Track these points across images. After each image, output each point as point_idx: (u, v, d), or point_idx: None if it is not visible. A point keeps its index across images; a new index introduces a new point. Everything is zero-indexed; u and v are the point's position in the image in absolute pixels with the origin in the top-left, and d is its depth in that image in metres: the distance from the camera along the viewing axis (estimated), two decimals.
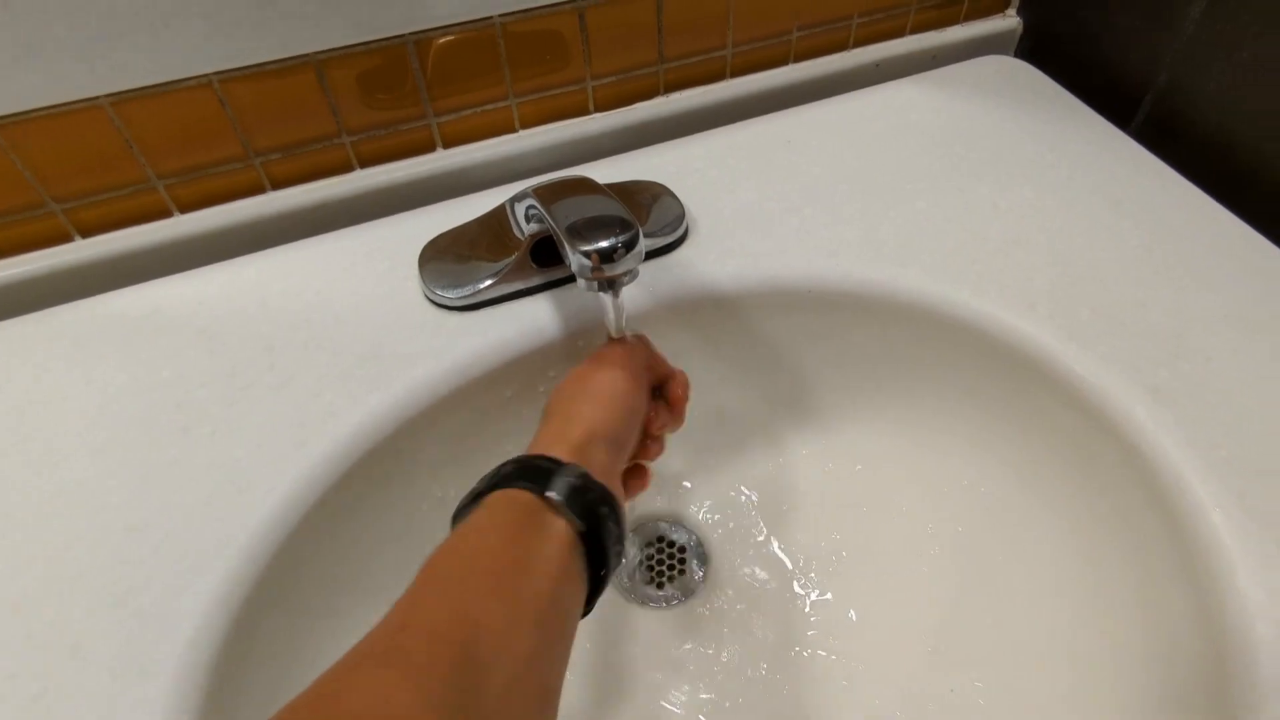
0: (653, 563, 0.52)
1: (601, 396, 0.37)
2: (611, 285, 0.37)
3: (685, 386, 0.42)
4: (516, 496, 0.31)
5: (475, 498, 0.32)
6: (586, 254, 0.36)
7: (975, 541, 0.49)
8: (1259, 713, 0.32)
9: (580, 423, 0.35)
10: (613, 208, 0.38)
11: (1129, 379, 0.41)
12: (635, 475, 0.42)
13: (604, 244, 0.36)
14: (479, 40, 0.50)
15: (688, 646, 0.49)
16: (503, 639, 0.26)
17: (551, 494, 0.31)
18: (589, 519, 0.31)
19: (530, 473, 0.32)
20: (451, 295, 0.45)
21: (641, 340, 0.42)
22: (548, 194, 0.40)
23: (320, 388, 0.43)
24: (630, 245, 0.36)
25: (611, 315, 0.39)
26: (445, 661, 0.25)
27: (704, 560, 0.52)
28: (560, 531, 0.31)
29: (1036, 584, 0.45)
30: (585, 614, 0.32)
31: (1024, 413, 0.46)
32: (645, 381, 0.40)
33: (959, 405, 0.49)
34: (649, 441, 0.41)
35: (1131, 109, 0.59)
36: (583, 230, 0.36)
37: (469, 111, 0.54)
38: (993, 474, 0.49)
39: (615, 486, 0.34)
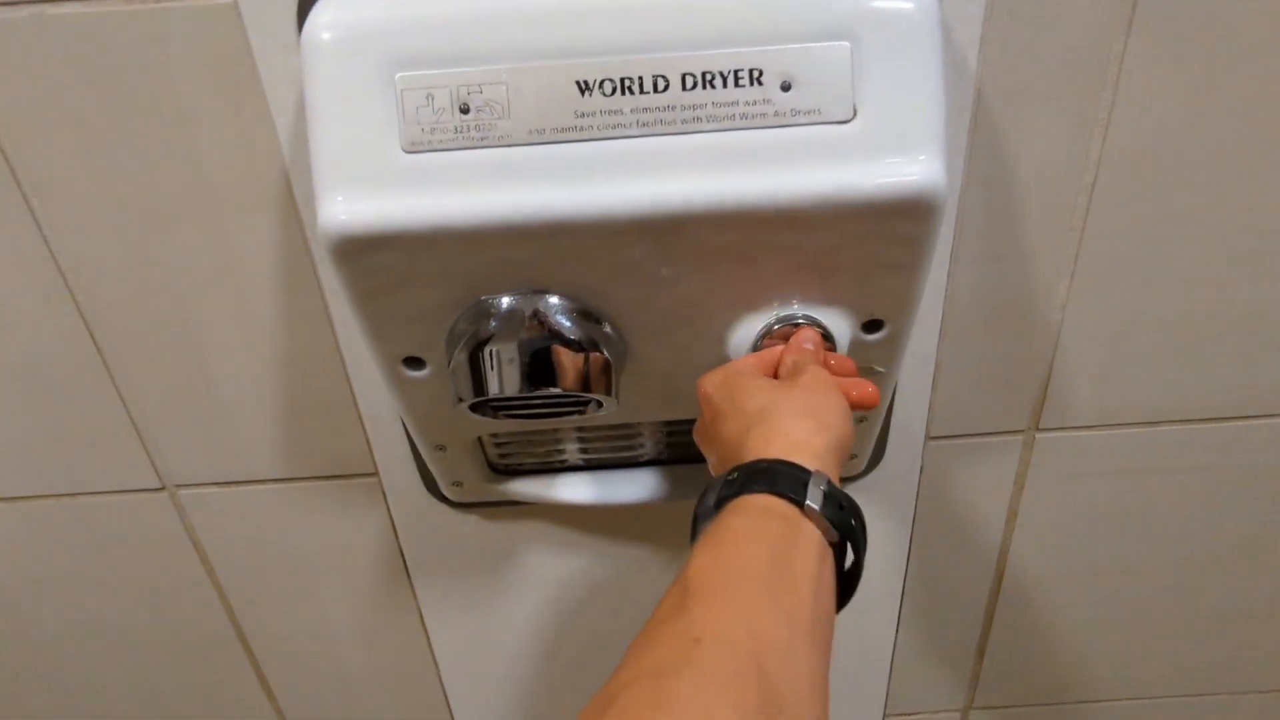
0: None
1: (832, 408, 0.35)
2: None
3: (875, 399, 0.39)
4: (772, 505, 0.30)
5: (720, 501, 0.31)
6: None
7: None
8: None
9: (821, 430, 0.33)
10: None
11: None
12: None
13: None
14: None
15: None
16: (786, 656, 0.26)
17: (811, 504, 0.30)
18: (842, 530, 0.30)
19: (783, 480, 0.30)
20: None
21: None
22: None
23: None
24: None
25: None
26: (751, 678, 0.24)
27: None
28: (818, 544, 0.30)
29: None
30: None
31: None
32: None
33: None
34: None
35: None
36: None
37: None
38: None
39: None
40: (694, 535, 0.32)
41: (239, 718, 0.68)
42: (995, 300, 0.48)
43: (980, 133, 0.43)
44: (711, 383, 0.38)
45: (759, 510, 0.30)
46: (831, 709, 0.68)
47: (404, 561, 0.59)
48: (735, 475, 0.31)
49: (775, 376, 0.38)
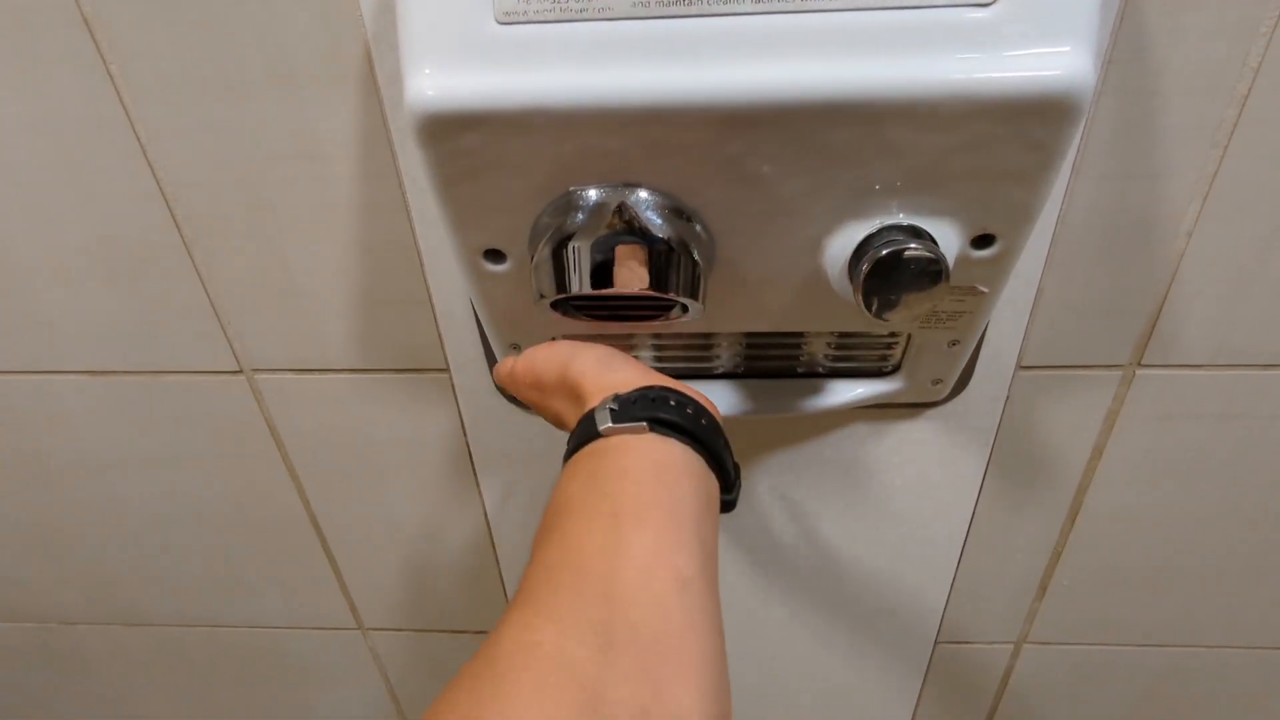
0: None
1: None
2: None
3: None
4: (578, 456, 0.32)
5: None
6: None
7: None
8: None
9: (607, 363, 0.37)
10: None
11: None
12: None
13: None
14: None
15: None
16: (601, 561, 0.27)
17: (604, 427, 0.32)
18: (649, 418, 0.32)
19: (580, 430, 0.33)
20: None
21: None
22: None
23: None
24: None
25: None
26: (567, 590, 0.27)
27: None
28: (627, 447, 0.31)
29: None
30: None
31: None
32: None
33: None
34: None
35: None
36: None
37: None
38: None
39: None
40: None
41: (308, 595, 0.71)
42: (1115, 222, 0.44)
43: (1126, 31, 0.38)
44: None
45: (567, 467, 0.32)
46: (882, 632, 0.68)
47: (470, 458, 0.59)
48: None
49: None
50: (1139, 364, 0.50)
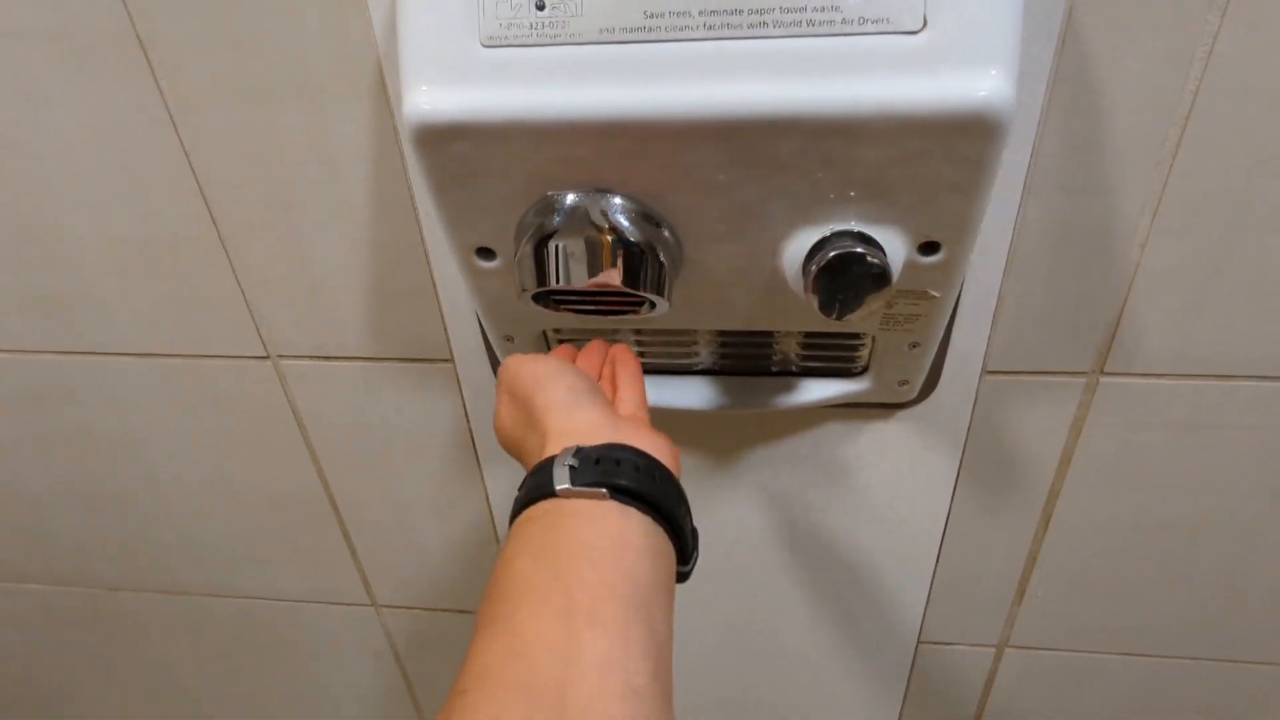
0: None
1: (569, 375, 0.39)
2: None
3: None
4: (531, 513, 0.31)
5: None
6: None
7: None
8: None
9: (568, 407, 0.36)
10: None
11: None
12: None
13: None
14: None
15: None
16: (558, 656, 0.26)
17: (561, 487, 0.31)
18: (607, 484, 0.31)
19: (531, 482, 0.32)
20: None
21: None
22: None
23: None
24: None
25: None
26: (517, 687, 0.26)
27: None
28: (584, 513, 0.31)
29: None
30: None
31: None
32: None
33: None
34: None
35: None
36: None
37: None
38: None
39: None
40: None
41: (326, 571, 0.76)
42: (1069, 234, 0.47)
43: (1068, 54, 0.41)
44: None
45: (520, 523, 0.31)
46: (865, 630, 0.70)
47: (474, 445, 0.64)
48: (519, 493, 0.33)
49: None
50: (1102, 371, 0.52)
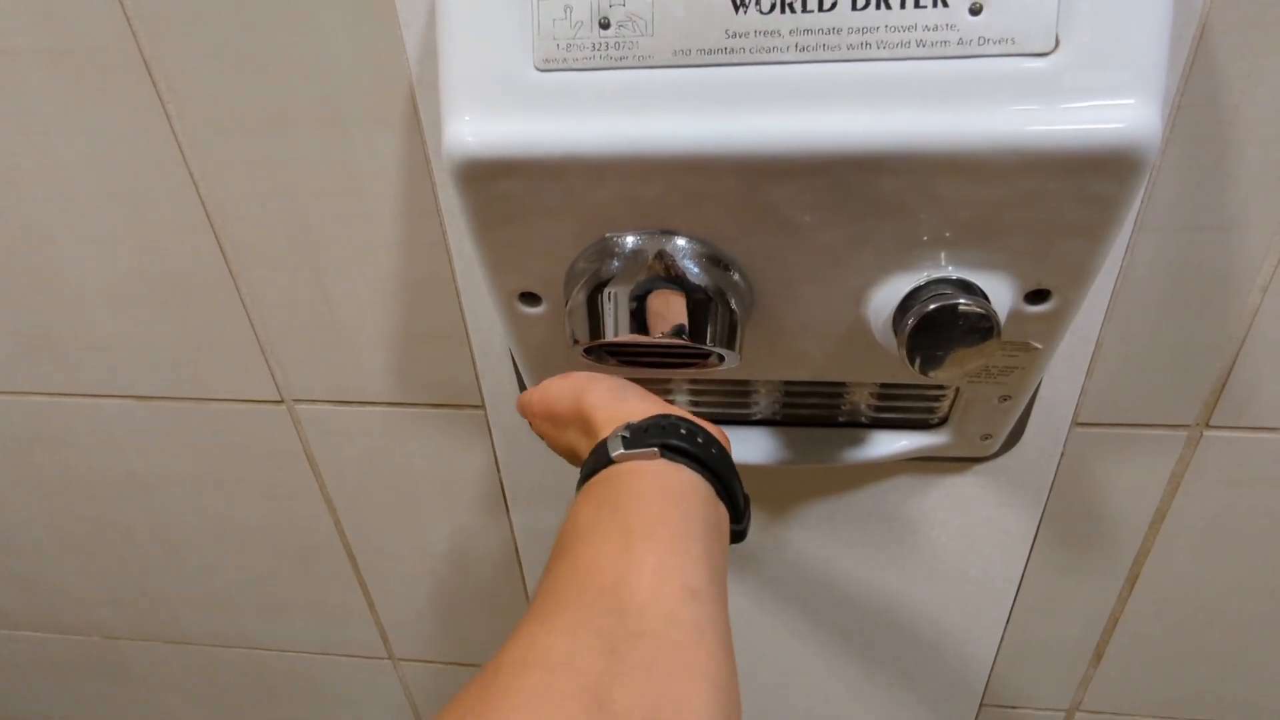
0: None
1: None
2: None
3: None
4: (591, 484, 0.32)
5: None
6: None
7: None
8: None
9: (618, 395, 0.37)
10: None
11: None
12: None
13: None
14: None
15: None
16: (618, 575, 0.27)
17: (615, 453, 0.32)
18: (661, 444, 0.32)
19: (591, 460, 0.33)
20: None
21: None
22: None
23: None
24: None
25: None
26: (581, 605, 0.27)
27: None
28: (640, 472, 0.32)
29: None
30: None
31: None
32: None
33: None
34: None
35: None
36: None
37: None
38: None
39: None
40: None
41: (341, 623, 0.71)
42: (1181, 276, 0.42)
43: (1197, 77, 0.36)
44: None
45: (580, 494, 0.32)
46: (924, 690, 0.65)
47: (504, 494, 0.59)
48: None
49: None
50: (1207, 424, 0.47)
